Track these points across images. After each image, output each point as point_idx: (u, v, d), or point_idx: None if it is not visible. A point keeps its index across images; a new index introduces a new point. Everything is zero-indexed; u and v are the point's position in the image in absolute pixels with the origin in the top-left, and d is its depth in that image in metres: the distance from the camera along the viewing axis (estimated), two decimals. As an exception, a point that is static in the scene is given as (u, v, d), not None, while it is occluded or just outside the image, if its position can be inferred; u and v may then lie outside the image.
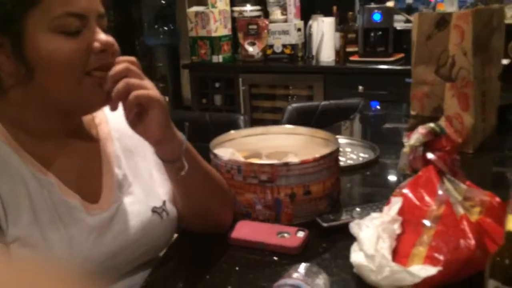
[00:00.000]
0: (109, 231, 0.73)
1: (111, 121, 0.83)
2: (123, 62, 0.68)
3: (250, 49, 3.07)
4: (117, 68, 0.67)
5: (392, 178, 1.19)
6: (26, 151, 0.69)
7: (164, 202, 0.82)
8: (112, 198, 0.75)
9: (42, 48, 0.64)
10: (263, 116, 3.10)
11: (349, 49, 2.94)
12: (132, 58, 0.69)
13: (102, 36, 0.68)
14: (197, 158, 0.79)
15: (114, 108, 0.69)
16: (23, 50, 0.64)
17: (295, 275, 0.58)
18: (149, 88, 0.68)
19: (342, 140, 1.34)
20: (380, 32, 2.79)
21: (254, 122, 2.92)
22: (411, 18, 1.47)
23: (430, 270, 0.62)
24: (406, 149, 0.82)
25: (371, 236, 0.69)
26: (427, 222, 0.69)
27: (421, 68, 1.22)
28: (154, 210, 0.80)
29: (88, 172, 0.76)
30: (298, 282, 0.56)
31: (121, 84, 0.66)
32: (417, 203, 0.72)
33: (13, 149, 0.68)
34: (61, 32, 0.65)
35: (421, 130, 0.79)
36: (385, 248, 0.67)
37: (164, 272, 0.79)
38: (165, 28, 3.26)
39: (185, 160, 0.74)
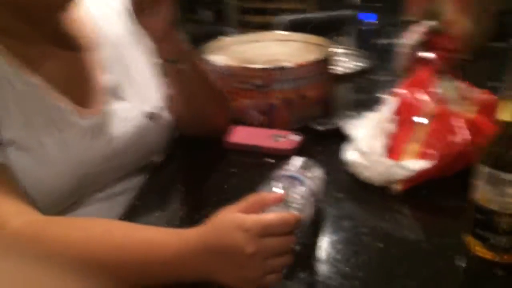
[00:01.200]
0: (103, 134, 0.73)
1: (99, 23, 0.79)
2: None
3: (240, -41, 2.90)
4: None
5: (386, 85, 1.18)
6: (11, 55, 0.66)
7: (158, 108, 0.81)
8: (104, 102, 0.74)
9: None
10: (253, 32, 3.01)
11: (344, -42, 2.79)
12: None
13: None
14: (197, 61, 0.77)
15: None
16: None
17: (292, 167, 0.59)
18: None
19: (335, 49, 1.30)
20: None
21: (245, 38, 2.83)
22: None
23: (422, 164, 0.63)
24: (404, 49, 0.80)
25: (365, 135, 0.69)
26: (422, 120, 0.69)
27: (421, -31, 1.16)
28: (148, 115, 0.79)
29: (78, 78, 0.73)
30: (295, 174, 0.57)
31: None
32: (413, 101, 0.72)
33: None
34: None
35: (419, 29, 0.76)
36: (379, 145, 0.68)
37: (163, 175, 0.81)
38: None
39: (184, 61, 0.72)
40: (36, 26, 0.69)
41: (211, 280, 0.52)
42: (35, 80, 0.67)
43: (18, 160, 0.64)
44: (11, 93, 0.65)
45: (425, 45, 0.78)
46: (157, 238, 0.55)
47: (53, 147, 0.67)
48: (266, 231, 0.50)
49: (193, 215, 0.69)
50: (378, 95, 1.11)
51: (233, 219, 0.51)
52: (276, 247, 0.51)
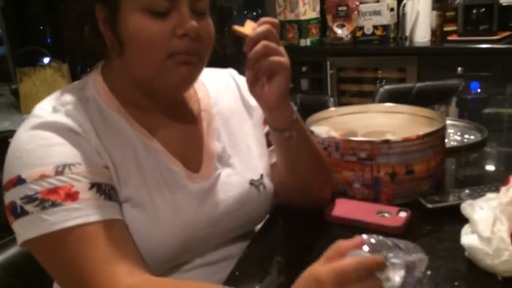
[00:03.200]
0: (209, 199, 0.75)
1: (212, 96, 0.85)
2: (266, 24, 0.67)
3: (339, 31, 2.99)
4: (259, 29, 0.66)
5: (502, 161, 1.09)
6: (135, 121, 0.73)
7: (261, 176, 0.83)
8: (212, 168, 0.77)
9: (130, 25, 0.66)
10: (350, 100, 3.02)
11: (447, 28, 2.74)
12: (275, 20, 0.68)
13: (188, 21, 0.67)
14: (305, 130, 0.78)
15: (249, 68, 0.68)
16: (117, 25, 0.67)
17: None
18: (283, 55, 0.68)
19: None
20: (483, 9, 2.56)
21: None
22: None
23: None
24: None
25: (487, 218, 0.63)
26: (555, 205, 0.62)
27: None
28: (252, 183, 0.81)
29: (190, 143, 0.78)
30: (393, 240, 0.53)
31: (259, 47, 0.66)
32: (543, 183, 0.64)
33: (125, 119, 0.72)
34: (150, 12, 0.66)
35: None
36: (503, 230, 0.61)
37: (263, 245, 0.80)
38: (254, 13, 3.29)
39: (294, 130, 0.73)
40: (157, 100, 0.76)
41: None
42: (154, 144, 0.73)
43: (131, 217, 0.68)
44: (132, 155, 0.71)
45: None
46: None
47: (164, 207, 0.70)
48: (343, 278, 0.48)
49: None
50: (494, 171, 1.03)
51: (309, 274, 0.50)
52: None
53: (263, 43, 0.66)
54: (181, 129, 0.78)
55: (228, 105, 0.85)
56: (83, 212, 0.63)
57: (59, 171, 0.63)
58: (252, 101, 0.87)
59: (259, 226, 0.86)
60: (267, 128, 0.87)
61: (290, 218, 0.87)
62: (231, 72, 0.91)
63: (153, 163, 0.72)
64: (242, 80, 0.90)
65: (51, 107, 0.68)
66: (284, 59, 0.67)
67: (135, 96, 0.74)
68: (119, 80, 0.73)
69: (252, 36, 0.66)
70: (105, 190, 0.66)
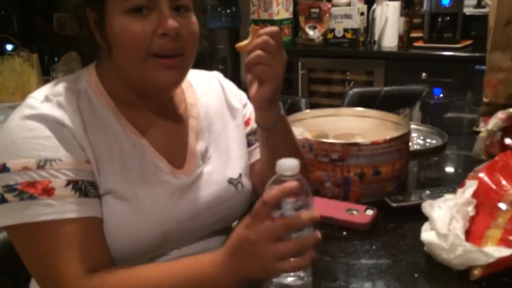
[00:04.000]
0: (189, 194, 0.79)
1: (198, 97, 0.88)
2: (264, 35, 0.72)
3: (311, 32, 3.06)
4: (256, 41, 0.72)
5: (460, 164, 1.18)
6: (124, 118, 0.76)
7: (240, 175, 0.87)
8: (194, 165, 0.81)
9: (115, 27, 0.70)
10: (319, 100, 3.10)
11: (414, 34, 2.86)
12: (274, 30, 0.73)
13: (167, 21, 0.70)
14: (287, 128, 0.84)
15: (247, 73, 0.75)
16: (105, 27, 0.71)
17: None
18: (274, 66, 0.73)
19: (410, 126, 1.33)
20: (448, 18, 2.69)
21: (311, 107, 2.91)
22: (489, 2, 1.42)
23: (504, 251, 0.63)
24: (482, 134, 0.81)
25: (444, 216, 0.70)
26: (503, 206, 0.69)
27: (497, 54, 1.19)
28: (230, 181, 0.85)
29: (175, 142, 0.82)
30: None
31: (252, 56, 0.72)
32: (493, 186, 0.72)
33: (114, 115, 0.75)
34: (131, 13, 0.69)
35: (500, 115, 0.78)
36: (458, 228, 0.68)
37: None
38: (228, 11, 3.32)
39: (275, 129, 0.80)
40: (146, 99, 0.79)
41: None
42: (140, 141, 0.76)
43: (113, 207, 0.71)
44: (117, 149, 0.74)
45: (505, 131, 0.79)
46: (196, 259, 0.66)
47: (145, 200, 0.74)
48: (259, 216, 0.57)
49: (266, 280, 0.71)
50: (452, 174, 1.11)
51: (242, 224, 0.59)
52: (275, 228, 0.56)
53: (256, 53, 0.71)
54: (168, 127, 0.82)
55: (212, 107, 0.89)
56: (56, 209, 0.65)
57: (41, 166, 0.66)
58: (236, 104, 0.92)
59: (235, 223, 0.90)
60: (248, 128, 0.92)
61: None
62: (216, 75, 0.95)
63: (138, 159, 0.75)
64: (226, 83, 0.94)
65: (44, 96, 0.71)
66: (275, 69, 0.72)
67: (125, 95, 0.77)
68: (110, 79, 0.76)
69: (250, 50, 0.72)
70: (81, 187, 0.68)
